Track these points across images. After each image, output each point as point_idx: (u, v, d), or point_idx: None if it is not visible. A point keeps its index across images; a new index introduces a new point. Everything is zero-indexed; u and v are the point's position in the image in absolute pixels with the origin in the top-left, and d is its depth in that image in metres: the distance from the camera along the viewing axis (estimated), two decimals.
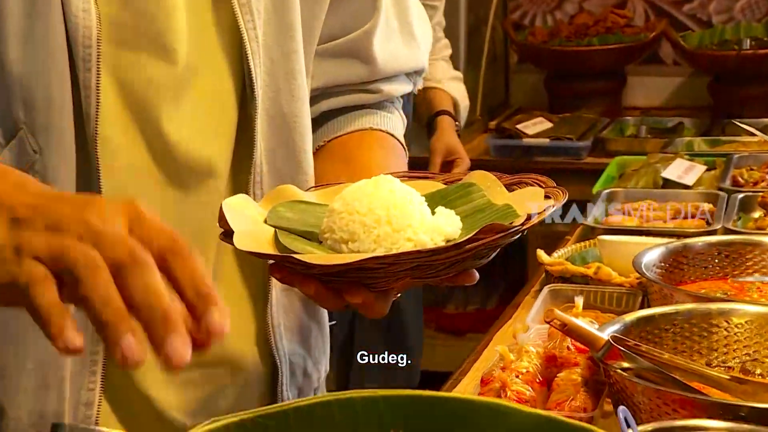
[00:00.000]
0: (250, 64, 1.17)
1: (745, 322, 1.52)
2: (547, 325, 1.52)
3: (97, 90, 1.09)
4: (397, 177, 1.14)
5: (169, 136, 1.14)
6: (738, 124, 1.80)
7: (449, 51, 3.38)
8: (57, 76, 1.08)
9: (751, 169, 2.80)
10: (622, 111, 4.11)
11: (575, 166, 3.51)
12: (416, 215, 1.08)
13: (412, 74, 1.41)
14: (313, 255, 1.04)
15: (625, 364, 1.34)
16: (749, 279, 1.81)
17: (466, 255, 1.03)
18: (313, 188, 1.22)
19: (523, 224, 1.05)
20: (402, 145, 1.38)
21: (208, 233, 1.15)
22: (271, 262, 1.08)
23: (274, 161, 1.22)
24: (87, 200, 0.80)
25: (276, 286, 1.24)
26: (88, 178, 1.11)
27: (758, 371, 1.46)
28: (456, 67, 3.53)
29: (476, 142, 3.91)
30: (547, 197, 1.12)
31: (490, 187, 1.18)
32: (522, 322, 1.68)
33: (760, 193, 2.42)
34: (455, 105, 3.27)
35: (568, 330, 1.33)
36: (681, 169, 2.82)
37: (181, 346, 0.74)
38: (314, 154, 1.30)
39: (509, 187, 1.17)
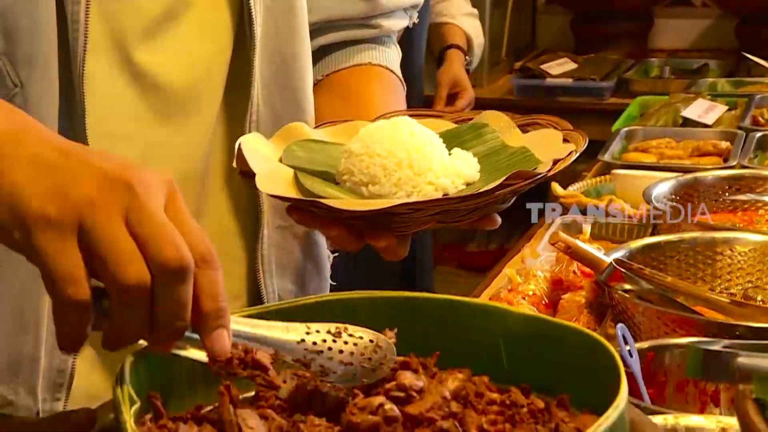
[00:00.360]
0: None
1: (749, 250, 1.56)
2: (556, 253, 1.58)
3: (86, 23, 1.04)
4: (405, 115, 1.13)
5: (158, 71, 1.10)
6: (759, 61, 1.82)
7: None
8: (44, 6, 1.03)
9: None
10: (648, 53, 4.12)
11: (598, 106, 3.53)
12: (436, 158, 1.06)
13: (409, 8, 1.39)
14: (342, 200, 1.03)
15: (627, 287, 1.40)
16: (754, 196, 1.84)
17: (491, 201, 1.03)
18: (322, 125, 1.19)
19: (549, 170, 1.03)
20: (400, 79, 1.36)
21: (195, 171, 1.14)
22: (289, 204, 1.06)
23: (272, 102, 1.18)
24: (129, 167, 0.78)
25: (268, 224, 1.21)
26: (72, 114, 1.06)
27: (759, 297, 1.50)
28: (482, 9, 3.55)
29: (501, 82, 3.93)
30: (564, 140, 1.10)
31: (503, 128, 1.15)
32: (533, 249, 1.73)
33: None
34: (468, 41, 3.30)
35: (572, 252, 1.38)
36: (702, 109, 2.84)
37: None
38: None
39: (522, 128, 1.15)
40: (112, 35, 1.08)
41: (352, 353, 0.81)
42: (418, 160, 1.05)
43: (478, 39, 3.34)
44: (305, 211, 1.04)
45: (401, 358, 0.85)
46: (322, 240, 1.29)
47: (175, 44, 1.10)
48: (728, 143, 2.47)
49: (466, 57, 3.31)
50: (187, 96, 1.12)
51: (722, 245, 1.56)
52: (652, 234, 1.86)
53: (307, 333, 0.82)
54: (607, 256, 1.43)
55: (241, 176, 1.07)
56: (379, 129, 1.08)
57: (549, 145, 1.09)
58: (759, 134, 2.48)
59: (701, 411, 1.23)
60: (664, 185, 1.85)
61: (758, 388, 0.76)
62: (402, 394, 0.79)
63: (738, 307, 1.40)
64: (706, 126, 2.73)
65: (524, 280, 1.52)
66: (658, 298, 1.40)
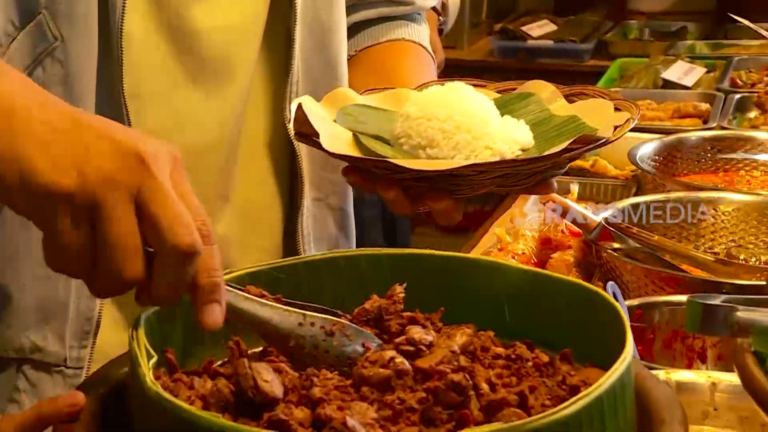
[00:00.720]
0: None
1: (732, 210, 1.59)
2: (544, 213, 1.60)
3: None
4: (442, 82, 1.12)
5: (194, 32, 1.12)
6: (743, 21, 1.83)
7: None
8: None
9: (750, 71, 2.85)
10: (627, 15, 4.13)
11: (577, 68, 3.55)
12: (493, 123, 1.06)
13: None
14: (410, 161, 1.02)
15: (616, 245, 1.42)
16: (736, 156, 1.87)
17: (552, 165, 1.02)
18: (367, 92, 1.18)
19: (611, 136, 1.03)
20: (431, 55, 1.39)
21: (228, 137, 1.16)
22: (346, 165, 1.05)
23: (311, 71, 1.20)
24: (139, 139, 0.77)
25: (307, 197, 1.23)
26: (109, 73, 1.07)
27: (742, 256, 1.53)
28: None
29: (481, 43, 3.94)
30: (616, 109, 1.09)
31: (549, 98, 1.15)
32: (520, 208, 1.75)
33: (756, 93, 2.47)
34: (444, 3, 3.28)
35: (563, 212, 1.40)
36: (681, 71, 2.87)
37: None
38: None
39: (568, 99, 1.14)
40: None
41: (337, 357, 0.79)
42: (475, 124, 1.05)
43: (454, 0, 3.32)
44: (364, 172, 1.04)
45: (408, 314, 0.87)
46: (351, 210, 1.32)
47: (208, 9, 1.12)
48: (708, 105, 2.50)
49: (440, 18, 3.30)
50: (222, 59, 1.14)
51: (706, 205, 1.59)
52: (636, 194, 1.90)
53: (300, 324, 0.79)
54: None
55: (298, 137, 1.07)
56: (436, 93, 1.08)
57: (600, 114, 1.08)
58: (738, 96, 2.52)
59: (688, 367, 1.26)
60: (648, 146, 1.87)
61: (756, 341, 0.79)
62: (412, 348, 0.80)
63: (723, 266, 1.43)
64: (685, 88, 2.76)
65: (513, 239, 1.54)
66: (646, 257, 1.43)
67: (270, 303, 0.78)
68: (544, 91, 1.15)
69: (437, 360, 0.78)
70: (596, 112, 1.08)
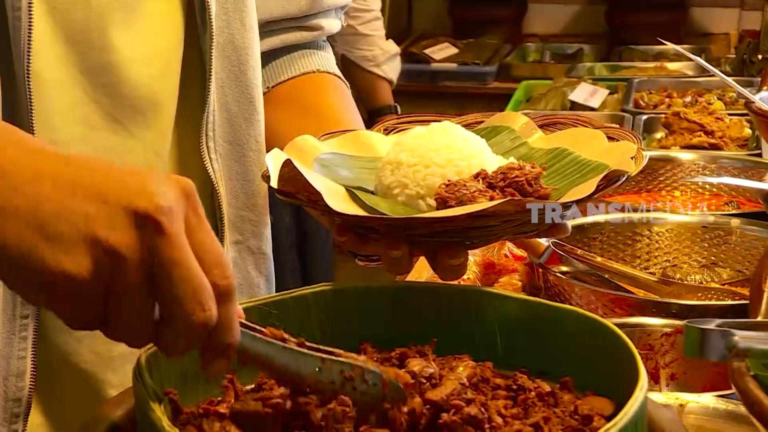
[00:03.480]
0: None
1: (666, 230, 1.63)
2: None
3: (29, 13, 0.94)
4: (401, 122, 1.07)
5: (111, 69, 1.01)
6: (673, 46, 1.88)
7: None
8: None
9: (651, 93, 2.94)
10: (523, 38, 4.22)
11: (482, 90, 3.60)
12: (495, 164, 0.97)
13: (338, 10, 1.33)
14: (435, 212, 0.91)
15: (563, 268, 1.44)
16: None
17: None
18: (324, 136, 1.09)
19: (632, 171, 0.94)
20: (346, 84, 1.32)
21: None
22: (338, 224, 0.95)
23: (225, 99, 1.11)
24: (148, 190, 0.69)
25: (227, 240, 1.14)
26: (18, 119, 0.95)
27: (677, 276, 1.57)
28: None
29: None
30: (610, 138, 1.01)
31: (523, 129, 1.07)
32: None
33: (663, 115, 2.55)
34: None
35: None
36: (586, 93, 2.94)
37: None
38: None
39: (543, 129, 1.07)
40: (61, 28, 0.98)
41: (356, 401, 0.76)
42: (478, 166, 0.95)
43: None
44: (362, 232, 0.94)
45: (400, 349, 0.86)
46: (270, 252, 1.23)
47: (128, 40, 1.02)
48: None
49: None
50: (142, 97, 1.04)
51: (641, 226, 1.63)
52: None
53: (318, 369, 0.76)
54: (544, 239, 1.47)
55: (282, 196, 0.96)
56: (425, 136, 0.98)
57: (593, 145, 1.00)
58: (644, 117, 2.59)
59: None
60: None
61: (754, 364, 0.81)
62: (413, 382, 0.80)
63: (665, 286, 1.46)
64: (592, 109, 2.83)
65: None
66: (591, 279, 1.45)
67: (289, 347, 0.75)
68: (516, 122, 1.08)
69: (448, 392, 0.77)
70: (587, 143, 1.01)
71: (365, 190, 0.99)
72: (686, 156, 1.99)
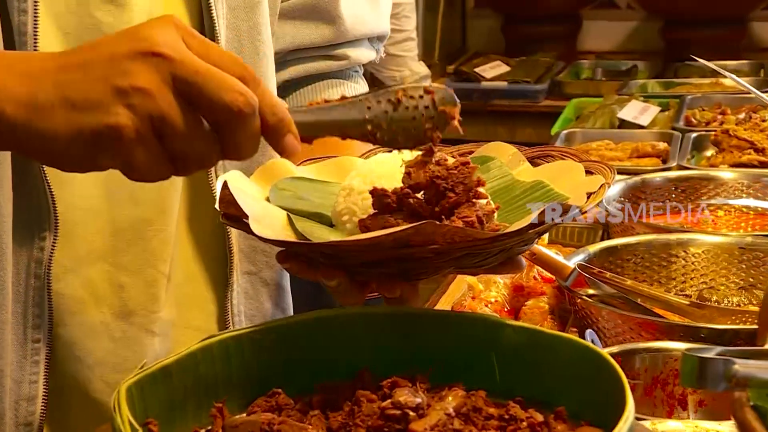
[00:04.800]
0: (212, 14, 1.05)
1: (702, 251, 1.59)
2: None
3: (35, 36, 0.95)
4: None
5: None
6: (699, 60, 1.84)
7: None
8: None
9: (703, 110, 2.88)
10: (577, 55, 4.18)
11: (533, 108, 3.57)
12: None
13: (375, 40, 1.32)
14: (357, 236, 0.87)
15: (591, 291, 1.41)
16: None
17: (516, 241, 0.89)
18: (306, 162, 1.07)
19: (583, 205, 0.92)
20: None
21: (161, 215, 1.07)
22: (280, 250, 0.93)
23: None
24: (139, 37, 0.78)
25: (237, 270, 1.14)
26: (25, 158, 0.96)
27: (714, 298, 1.53)
28: (415, 13, 3.55)
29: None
30: (588, 172, 0.99)
31: (511, 161, 1.05)
32: None
33: (713, 132, 2.49)
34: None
35: (536, 258, 1.38)
36: (636, 110, 2.89)
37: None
38: None
39: (532, 161, 1.05)
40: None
41: (413, 117, 0.86)
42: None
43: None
44: (302, 258, 0.92)
45: (393, 378, 0.85)
46: (287, 284, 1.22)
47: None
48: (665, 144, 2.51)
49: None
50: None
51: (676, 247, 1.59)
52: (603, 236, 1.89)
53: (369, 108, 0.85)
54: (567, 260, 1.44)
55: (225, 219, 0.94)
56: (382, 162, 0.96)
57: (570, 178, 0.98)
58: (694, 135, 2.54)
59: (669, 414, 1.25)
60: (613, 188, 1.87)
61: (755, 394, 0.77)
62: (398, 412, 0.78)
63: (698, 309, 1.42)
64: (641, 127, 2.78)
65: (485, 287, 1.52)
66: (620, 302, 1.41)
67: (335, 103, 0.85)
68: (504, 153, 1.05)
69: (432, 423, 0.75)
70: (566, 176, 0.99)
71: (322, 216, 0.97)
72: (727, 175, 1.94)
